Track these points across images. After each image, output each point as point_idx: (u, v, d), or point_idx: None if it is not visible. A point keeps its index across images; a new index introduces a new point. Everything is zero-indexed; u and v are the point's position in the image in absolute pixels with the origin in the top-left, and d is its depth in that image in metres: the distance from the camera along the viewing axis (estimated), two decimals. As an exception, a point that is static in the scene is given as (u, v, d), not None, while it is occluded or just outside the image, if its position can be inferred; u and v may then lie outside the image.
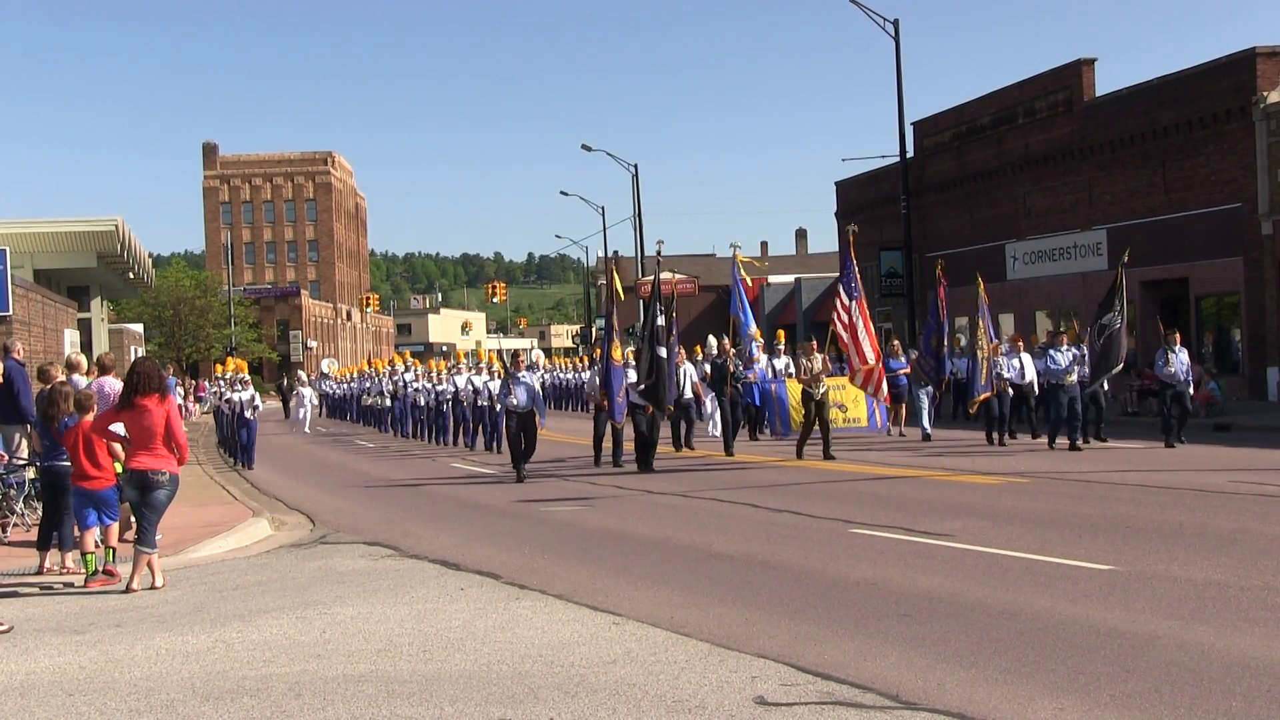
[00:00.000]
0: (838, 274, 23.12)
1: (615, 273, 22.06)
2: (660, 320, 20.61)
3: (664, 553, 11.41)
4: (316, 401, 43.32)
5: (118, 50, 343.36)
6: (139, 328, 66.76)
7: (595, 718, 6.06)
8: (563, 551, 11.83)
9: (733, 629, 7.93)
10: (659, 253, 22.89)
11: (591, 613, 8.67)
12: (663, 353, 20.24)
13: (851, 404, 22.83)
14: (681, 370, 22.59)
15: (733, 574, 10.05)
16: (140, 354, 43.83)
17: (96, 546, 10.95)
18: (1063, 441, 20.53)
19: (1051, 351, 20.98)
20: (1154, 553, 10.11)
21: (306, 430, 40.02)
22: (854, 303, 20.90)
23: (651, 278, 23.52)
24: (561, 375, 50.10)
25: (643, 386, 19.98)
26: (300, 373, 48.44)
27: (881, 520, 12.63)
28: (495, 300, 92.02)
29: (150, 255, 59.64)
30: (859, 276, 21.42)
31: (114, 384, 13.13)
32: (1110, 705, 5.95)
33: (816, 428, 20.73)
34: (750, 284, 29.07)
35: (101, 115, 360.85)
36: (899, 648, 7.25)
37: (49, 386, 12.61)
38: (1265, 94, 29.76)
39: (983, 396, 21.86)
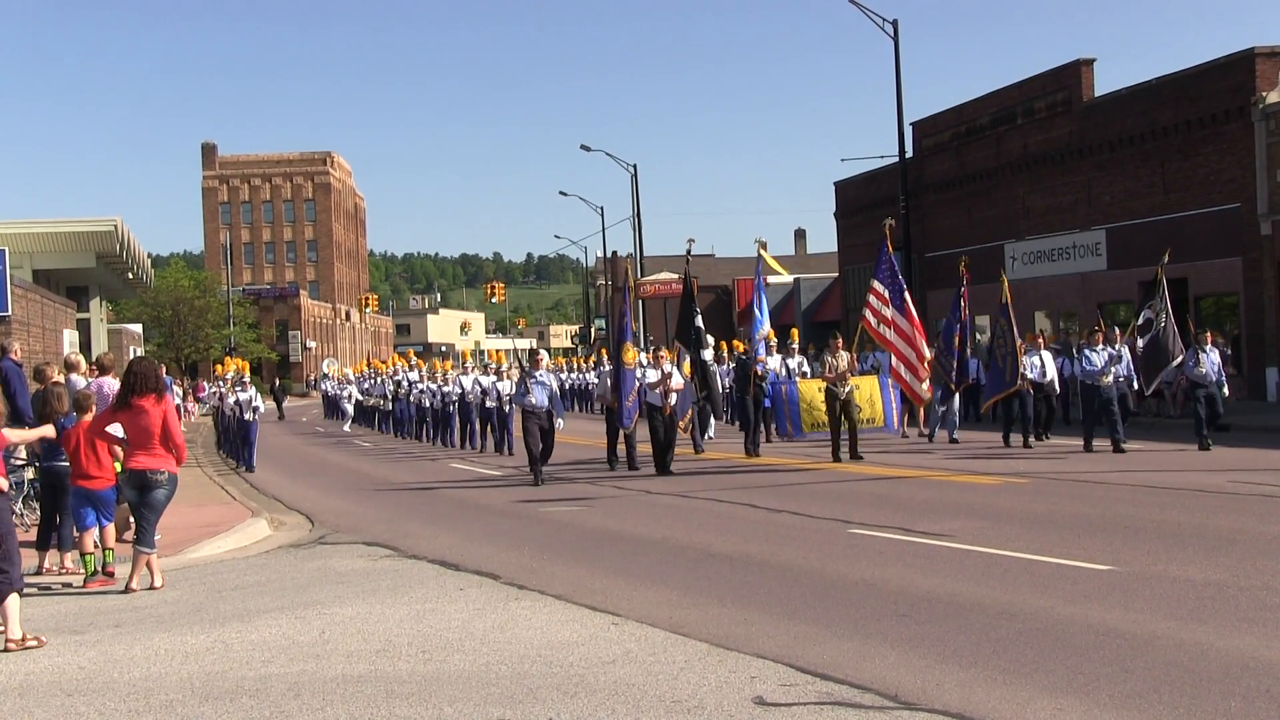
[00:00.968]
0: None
1: (630, 273, 21.79)
2: (699, 321, 20.49)
3: (663, 553, 11.41)
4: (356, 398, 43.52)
5: (117, 51, 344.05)
6: (138, 328, 66.75)
7: (594, 718, 6.05)
8: (562, 552, 11.83)
9: (732, 629, 7.93)
10: (689, 252, 22.22)
11: (590, 613, 8.67)
12: (706, 355, 20.14)
13: (867, 405, 22.01)
14: (710, 369, 22.33)
15: (732, 574, 10.05)
16: (139, 354, 43.75)
17: (95, 547, 10.95)
18: (1101, 443, 19.78)
19: (1086, 351, 20.60)
20: (1153, 553, 10.11)
21: (347, 429, 40.68)
22: (903, 300, 20.53)
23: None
24: (560, 375, 49.99)
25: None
26: (347, 370, 48.18)
27: (880, 520, 12.63)
28: (494, 300, 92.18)
29: (149, 255, 59.68)
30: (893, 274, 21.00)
31: (113, 384, 13.14)
32: (1109, 705, 5.95)
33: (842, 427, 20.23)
34: (768, 282, 28.44)
35: (101, 115, 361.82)
36: (898, 648, 7.25)
37: (44, 386, 12.61)
38: (1264, 94, 29.77)
39: (1006, 392, 21.15)
